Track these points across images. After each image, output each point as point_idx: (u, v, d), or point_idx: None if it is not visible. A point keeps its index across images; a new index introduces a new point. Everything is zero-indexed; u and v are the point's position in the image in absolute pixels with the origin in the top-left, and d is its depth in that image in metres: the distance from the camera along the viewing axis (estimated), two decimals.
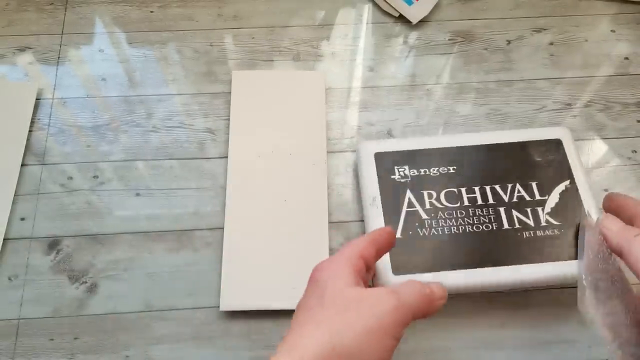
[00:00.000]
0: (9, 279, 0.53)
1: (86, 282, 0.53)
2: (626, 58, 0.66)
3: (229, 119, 0.61)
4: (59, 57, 0.66)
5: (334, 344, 0.27)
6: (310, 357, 0.27)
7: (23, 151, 0.59)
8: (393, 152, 0.53)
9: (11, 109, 0.62)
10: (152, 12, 0.69)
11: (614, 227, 0.36)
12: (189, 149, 0.60)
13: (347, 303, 0.29)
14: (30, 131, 0.61)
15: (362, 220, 0.54)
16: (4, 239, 0.55)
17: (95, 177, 0.59)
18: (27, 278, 0.53)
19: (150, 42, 0.67)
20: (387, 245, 0.38)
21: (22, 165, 0.59)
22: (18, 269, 0.54)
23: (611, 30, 0.68)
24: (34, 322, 0.52)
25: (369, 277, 0.37)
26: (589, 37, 0.67)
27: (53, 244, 0.55)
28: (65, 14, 0.69)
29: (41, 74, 0.65)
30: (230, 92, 0.63)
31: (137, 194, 0.58)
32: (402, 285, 0.31)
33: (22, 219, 0.56)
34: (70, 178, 0.58)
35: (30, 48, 0.66)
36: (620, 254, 0.35)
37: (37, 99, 0.63)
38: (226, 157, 0.59)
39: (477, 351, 0.50)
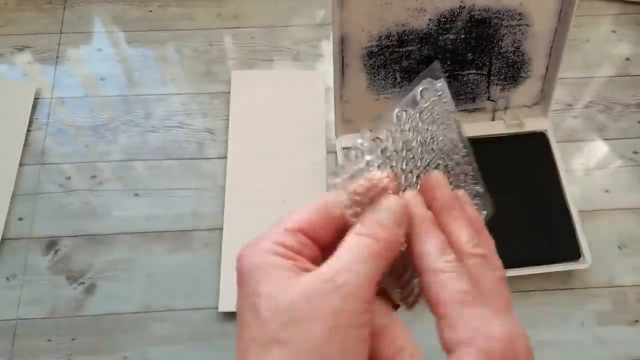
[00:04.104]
0: (7, 279, 0.53)
1: (84, 283, 0.53)
2: (627, 59, 0.66)
3: (228, 119, 0.61)
4: (57, 57, 0.66)
5: None
6: None
7: (21, 151, 0.59)
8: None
9: (9, 109, 0.61)
10: (151, 11, 0.69)
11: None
12: (188, 149, 0.60)
13: (291, 308, 0.22)
14: (28, 131, 0.60)
15: None
16: (2, 239, 0.54)
17: (94, 177, 0.58)
18: (25, 278, 0.53)
19: (149, 42, 0.67)
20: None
21: (20, 165, 0.58)
22: (16, 269, 0.53)
23: (612, 31, 0.68)
24: (31, 322, 0.51)
25: (326, 250, 0.26)
26: (590, 38, 0.67)
27: (51, 244, 0.55)
28: (64, 13, 0.68)
29: (40, 73, 0.65)
30: (229, 92, 0.62)
31: (136, 194, 0.57)
32: (350, 251, 0.23)
33: (20, 219, 0.56)
34: (69, 178, 0.58)
35: (29, 47, 0.66)
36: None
37: (35, 99, 0.62)
38: (225, 157, 0.59)
39: None
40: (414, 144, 0.26)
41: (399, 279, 0.26)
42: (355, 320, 0.22)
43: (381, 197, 0.25)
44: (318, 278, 0.23)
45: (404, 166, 0.26)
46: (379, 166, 0.25)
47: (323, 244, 0.25)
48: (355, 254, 0.23)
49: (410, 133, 0.26)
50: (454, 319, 0.23)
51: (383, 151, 0.26)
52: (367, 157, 0.25)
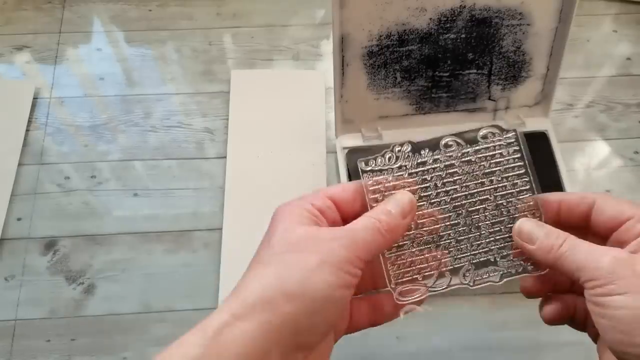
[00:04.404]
0: (6, 279, 0.53)
1: (83, 283, 0.53)
2: (628, 58, 0.66)
3: (227, 119, 0.61)
4: (56, 56, 0.65)
5: (281, 282, 0.25)
6: (253, 298, 0.26)
7: (20, 151, 0.59)
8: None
9: (8, 108, 0.61)
10: (150, 10, 0.69)
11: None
12: (188, 149, 0.60)
13: (296, 241, 0.27)
14: (27, 130, 0.60)
15: None
16: (1, 239, 0.54)
17: (93, 177, 0.58)
18: (24, 279, 0.53)
19: (148, 41, 0.67)
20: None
21: (19, 164, 0.58)
22: (15, 270, 0.53)
23: (613, 31, 0.68)
24: (30, 323, 0.51)
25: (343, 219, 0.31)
26: (591, 37, 0.67)
27: (50, 245, 0.54)
28: (63, 13, 0.68)
29: (39, 73, 0.64)
30: (229, 92, 0.62)
31: (135, 194, 0.57)
32: (357, 221, 0.29)
33: (19, 219, 0.56)
34: (68, 178, 0.58)
35: (28, 47, 0.66)
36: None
37: (34, 98, 0.62)
38: (225, 157, 0.59)
39: (479, 353, 0.50)
40: (458, 170, 0.30)
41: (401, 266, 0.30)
42: (345, 266, 0.26)
43: (397, 192, 0.30)
44: (326, 230, 0.28)
45: (439, 184, 0.30)
46: (410, 174, 0.30)
47: (347, 215, 0.30)
48: (360, 225, 0.28)
49: (456, 161, 0.30)
50: None
51: (419, 164, 0.30)
52: (403, 163, 0.30)
